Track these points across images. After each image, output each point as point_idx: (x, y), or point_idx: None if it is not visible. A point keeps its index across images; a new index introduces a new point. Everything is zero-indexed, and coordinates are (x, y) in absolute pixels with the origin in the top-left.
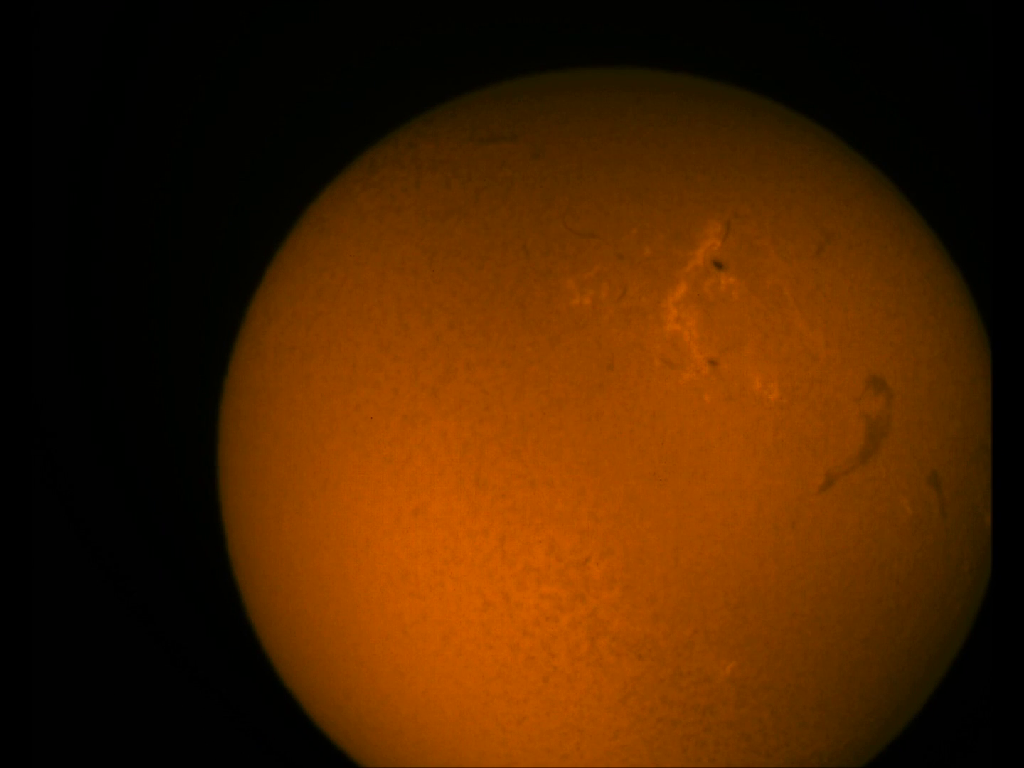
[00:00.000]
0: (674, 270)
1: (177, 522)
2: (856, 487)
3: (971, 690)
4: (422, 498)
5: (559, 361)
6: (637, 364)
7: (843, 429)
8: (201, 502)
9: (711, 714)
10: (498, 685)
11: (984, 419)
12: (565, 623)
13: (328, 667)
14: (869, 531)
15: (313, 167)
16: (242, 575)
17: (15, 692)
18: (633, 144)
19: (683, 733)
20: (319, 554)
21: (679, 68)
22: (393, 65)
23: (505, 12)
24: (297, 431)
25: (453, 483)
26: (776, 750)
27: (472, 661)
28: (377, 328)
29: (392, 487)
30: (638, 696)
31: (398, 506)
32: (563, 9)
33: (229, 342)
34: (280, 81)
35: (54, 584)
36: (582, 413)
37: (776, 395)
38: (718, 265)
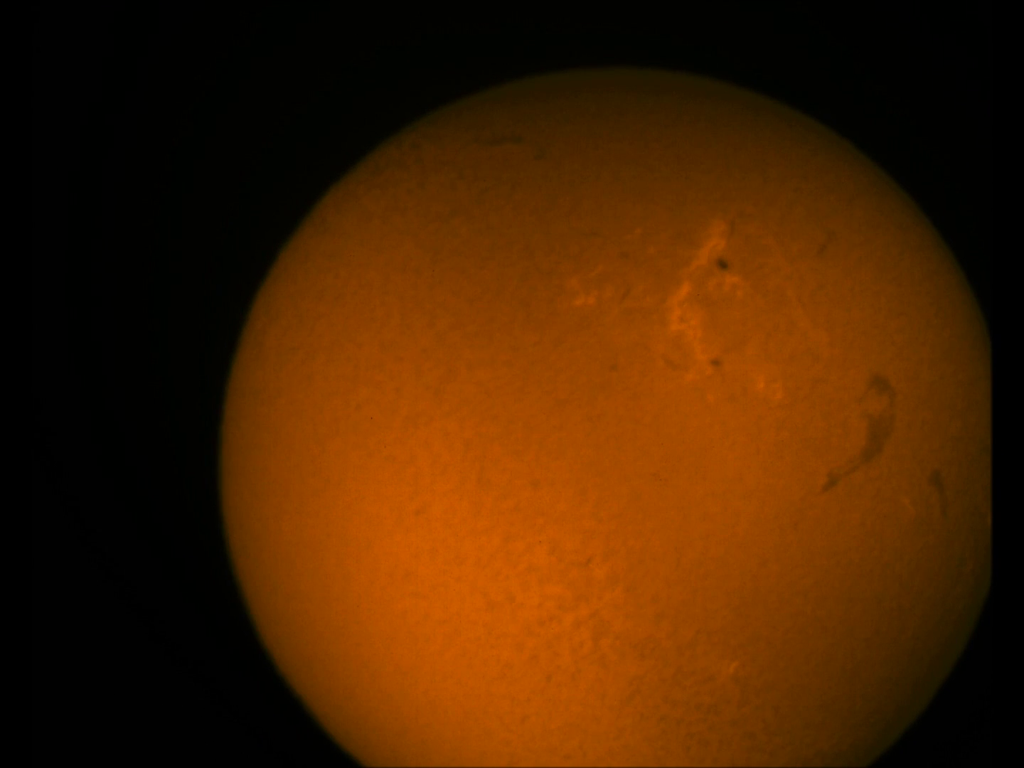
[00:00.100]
0: (678, 270)
1: (178, 522)
2: (858, 487)
3: (974, 690)
4: (424, 498)
5: (562, 361)
6: (640, 364)
7: (846, 429)
8: (203, 502)
9: (714, 713)
10: (501, 685)
11: (986, 419)
12: (568, 623)
13: (330, 667)
14: (871, 531)
15: (317, 168)
16: (243, 575)
17: (15, 692)
18: (636, 144)
19: (686, 732)
20: (320, 554)
21: (680, 68)
22: (397, 66)
23: (508, 13)
24: (299, 431)
25: (455, 483)
26: (780, 749)
27: (475, 661)
28: (380, 328)
29: (394, 487)
30: (641, 695)
31: (400, 506)
32: (565, 10)
33: (231, 342)
34: (283, 82)
35: (54, 584)
36: (585, 413)
37: (779, 395)
38: (722, 265)
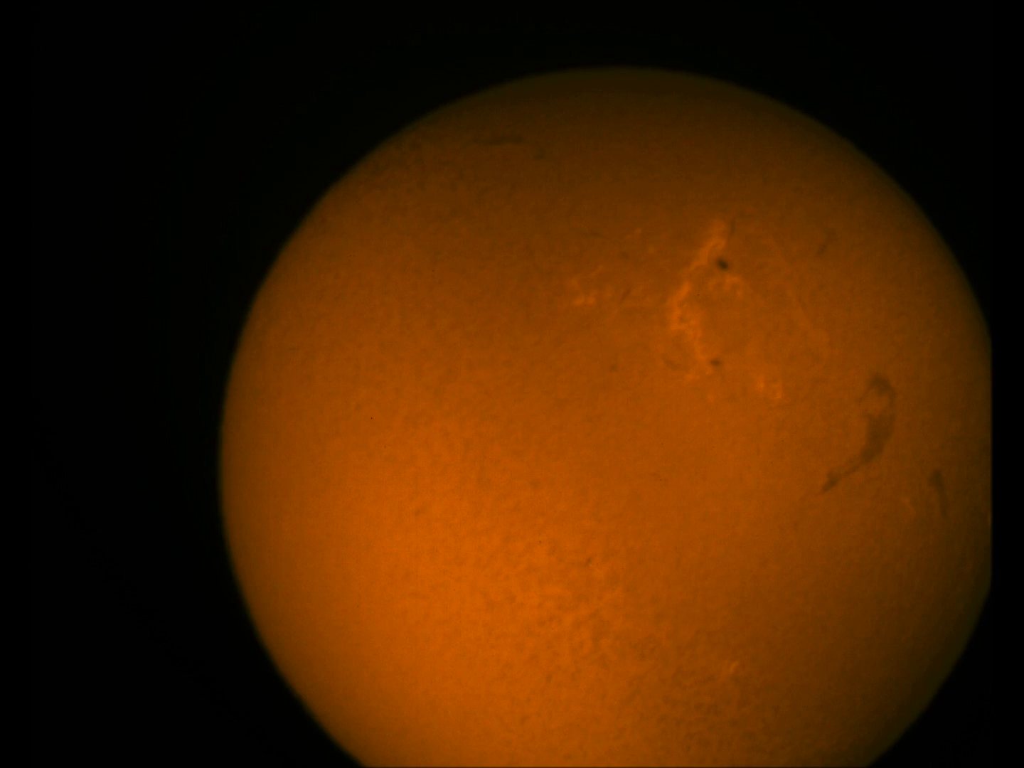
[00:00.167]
0: (678, 270)
1: (178, 522)
2: (858, 487)
3: (974, 690)
4: (424, 498)
5: (562, 361)
6: (640, 364)
7: (846, 429)
8: (203, 502)
9: (714, 713)
10: (501, 685)
11: (986, 419)
12: (568, 623)
13: (330, 667)
14: (871, 531)
15: (317, 168)
16: (243, 575)
17: (15, 692)
18: (636, 144)
19: (686, 732)
20: (320, 554)
21: (680, 68)
22: (397, 66)
23: (508, 13)
24: (299, 431)
25: (455, 483)
26: (780, 749)
27: (475, 661)
28: (380, 328)
29: (394, 487)
30: (641, 695)
31: (400, 506)
32: (565, 10)
33: (231, 342)
34: (283, 82)
35: (54, 584)
36: (585, 413)
37: (779, 395)
38: (722, 265)
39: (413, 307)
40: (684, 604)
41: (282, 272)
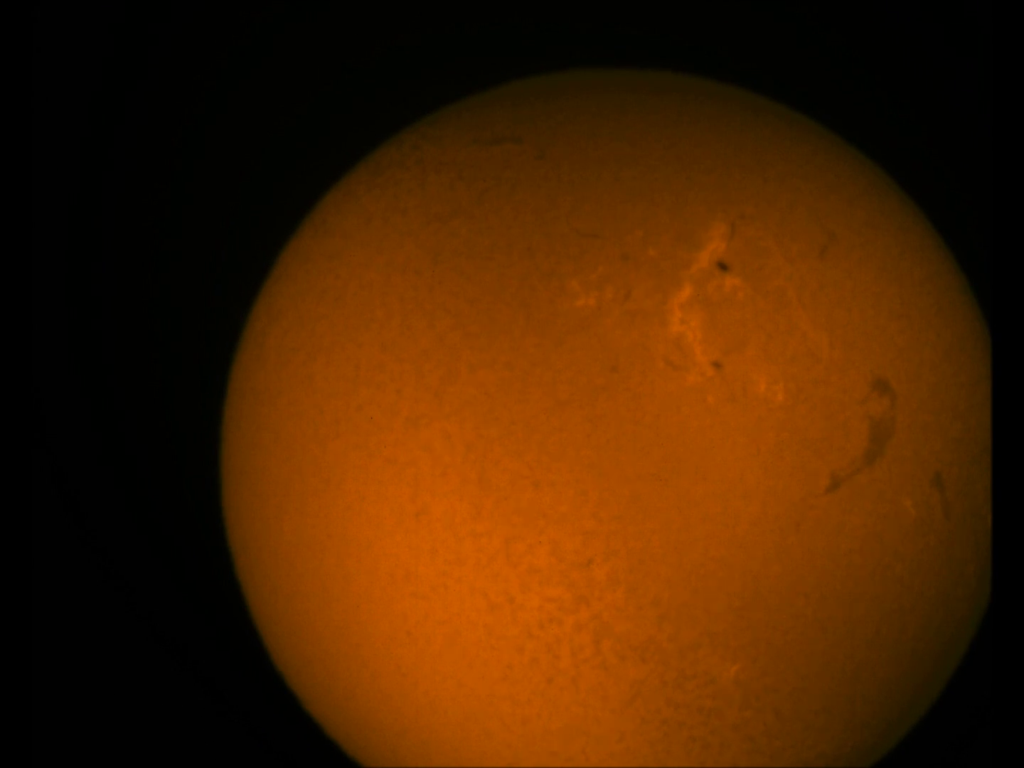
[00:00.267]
0: (679, 271)
1: (179, 522)
2: (859, 488)
3: (976, 691)
4: (425, 499)
5: (563, 363)
6: (641, 366)
7: (847, 431)
8: (203, 502)
9: (716, 716)
10: (502, 687)
11: (987, 420)
12: (569, 625)
13: (330, 667)
14: (872, 532)
15: (317, 169)
16: (244, 575)
17: (15, 692)
18: (637, 145)
19: (688, 735)
20: (321, 554)
21: (679, 68)
22: (397, 67)
23: (508, 14)
24: (299, 432)
25: (456, 484)
26: (781, 752)
27: (476, 662)
28: (380, 329)
29: (395, 488)
30: (643, 698)
31: (401, 507)
32: (565, 10)
33: (232, 343)
34: (283, 83)
35: (54, 584)
36: (585, 414)
37: (780, 397)
38: (723, 267)
39: (413, 308)
40: (685, 606)
41: (283, 273)
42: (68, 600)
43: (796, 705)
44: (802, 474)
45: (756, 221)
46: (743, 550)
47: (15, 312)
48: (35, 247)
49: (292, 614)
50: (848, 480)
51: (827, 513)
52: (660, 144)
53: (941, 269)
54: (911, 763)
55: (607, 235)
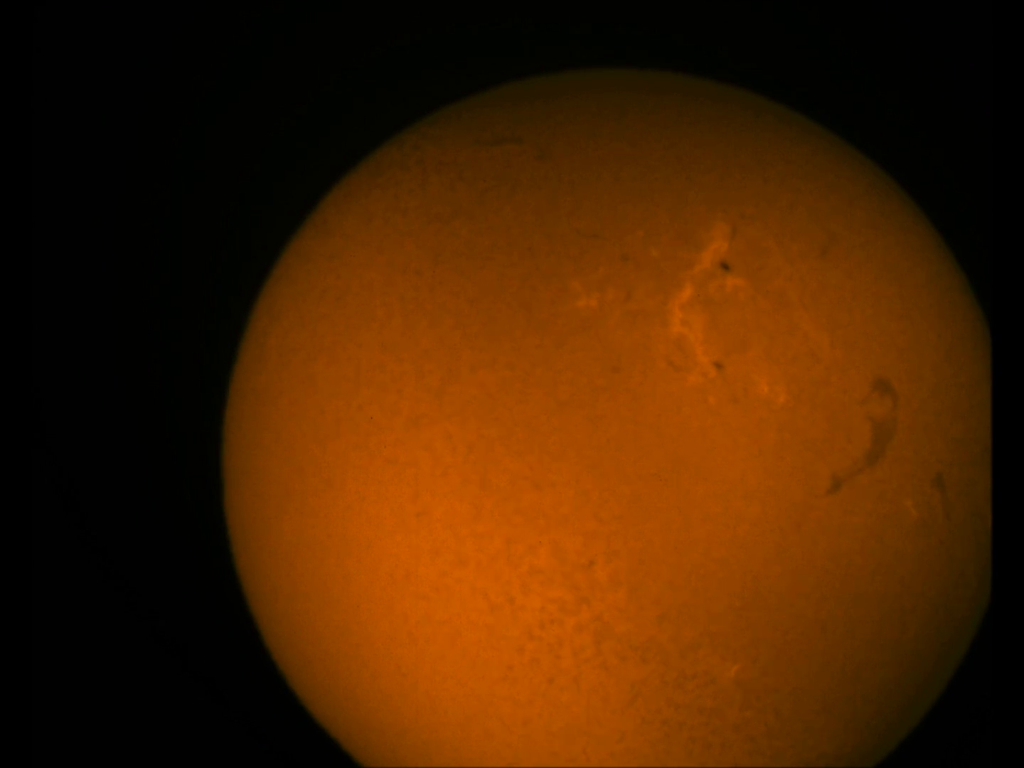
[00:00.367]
0: (680, 272)
1: (180, 521)
2: (860, 489)
3: (977, 692)
4: (425, 500)
5: (563, 363)
6: (642, 366)
7: (848, 431)
8: (205, 502)
9: (717, 716)
10: (503, 687)
11: (988, 421)
12: (570, 626)
13: (330, 667)
14: (873, 533)
15: (318, 169)
16: (245, 575)
17: (15, 692)
18: (637, 144)
19: (688, 736)
20: (321, 554)
21: (680, 68)
22: (398, 68)
23: (508, 15)
24: (300, 432)
25: (457, 485)
26: (781, 752)
27: (476, 663)
28: (381, 330)
29: (395, 488)
30: (644, 699)
31: (401, 507)
32: (565, 11)
33: (234, 343)
34: (285, 84)
35: (55, 584)
36: (586, 415)
37: (781, 397)
38: (725, 267)
39: (414, 308)
40: (686, 606)
41: (284, 273)
42: (68, 600)
43: (797, 705)
44: (803, 475)
45: (756, 221)
46: (744, 550)
47: (15, 312)
48: (35, 247)
49: (292, 614)
50: (849, 481)
51: (828, 514)
52: (660, 144)
53: (942, 269)
54: (912, 763)
55: (608, 235)
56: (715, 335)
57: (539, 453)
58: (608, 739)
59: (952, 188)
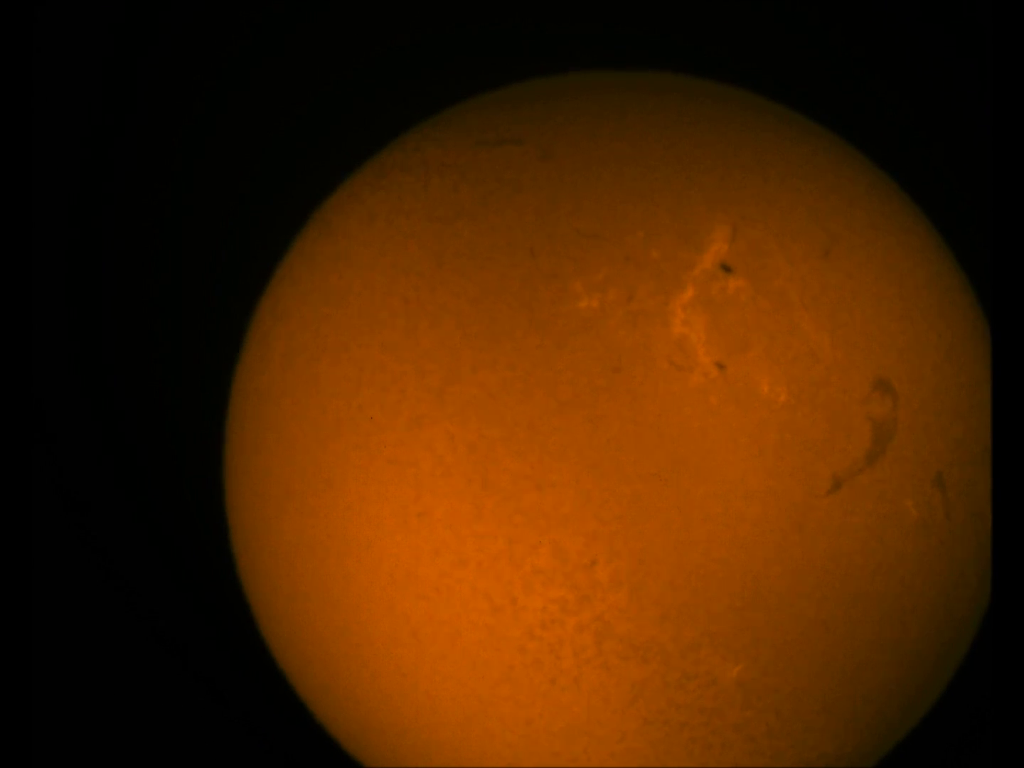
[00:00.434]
0: (681, 273)
1: (182, 521)
2: (861, 489)
3: (977, 692)
4: (427, 500)
5: (565, 363)
6: (643, 367)
7: (849, 432)
8: (206, 502)
9: (717, 717)
10: (504, 687)
11: (988, 421)
12: (572, 626)
13: (331, 667)
14: (874, 533)
15: (321, 171)
16: (246, 575)
17: (15, 692)
18: (638, 145)
19: (689, 736)
20: (322, 554)
21: (680, 69)
22: (400, 69)
23: (509, 17)
24: (302, 432)
25: (458, 485)
26: (782, 752)
27: (477, 663)
28: (383, 330)
29: (397, 488)
30: (645, 699)
31: (402, 507)
32: (566, 13)
33: (237, 343)
34: (288, 85)
35: (56, 583)
36: (588, 415)
37: (783, 398)
38: (726, 268)
39: (416, 309)
40: (687, 606)
41: (287, 274)
42: (68, 600)
43: (797, 705)
44: (804, 475)
45: (757, 221)
46: (745, 551)
47: (15, 312)
48: (35, 247)
49: (293, 614)
50: (850, 481)
51: (828, 514)
52: (661, 144)
53: (942, 270)
54: (912, 763)
55: (609, 236)
56: (716, 336)
57: (540, 453)
58: (609, 739)
59: (952, 188)
